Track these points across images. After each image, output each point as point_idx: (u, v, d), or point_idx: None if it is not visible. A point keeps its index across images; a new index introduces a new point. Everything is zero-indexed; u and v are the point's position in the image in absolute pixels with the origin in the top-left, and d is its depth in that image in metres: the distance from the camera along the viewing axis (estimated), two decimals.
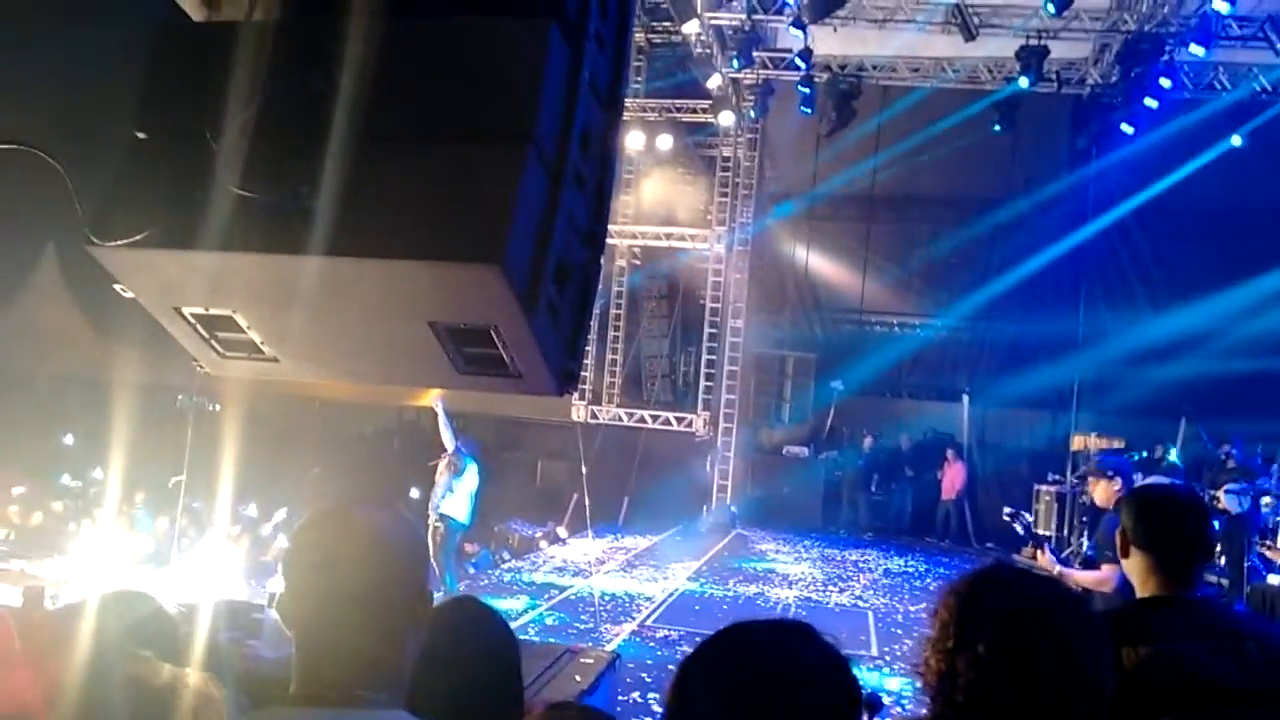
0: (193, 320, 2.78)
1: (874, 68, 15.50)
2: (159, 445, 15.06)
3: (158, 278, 2.70)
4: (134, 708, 2.01)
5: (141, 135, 2.72)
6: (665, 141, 17.52)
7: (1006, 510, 6.28)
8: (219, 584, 8.10)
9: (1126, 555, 2.25)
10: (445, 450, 9.60)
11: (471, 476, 9.56)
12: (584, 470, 10.81)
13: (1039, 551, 5.28)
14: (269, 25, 2.66)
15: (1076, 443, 14.15)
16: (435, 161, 2.52)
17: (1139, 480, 5.27)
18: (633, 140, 16.98)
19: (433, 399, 9.81)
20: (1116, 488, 5.22)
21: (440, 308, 2.66)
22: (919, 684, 1.74)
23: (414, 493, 16.20)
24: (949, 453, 16.01)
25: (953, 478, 15.84)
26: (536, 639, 7.40)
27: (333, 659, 1.34)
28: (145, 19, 2.86)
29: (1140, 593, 2.24)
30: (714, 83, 15.80)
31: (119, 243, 2.55)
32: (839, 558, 13.92)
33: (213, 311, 2.75)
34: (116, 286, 2.75)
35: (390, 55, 2.53)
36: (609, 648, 7.70)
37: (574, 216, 2.85)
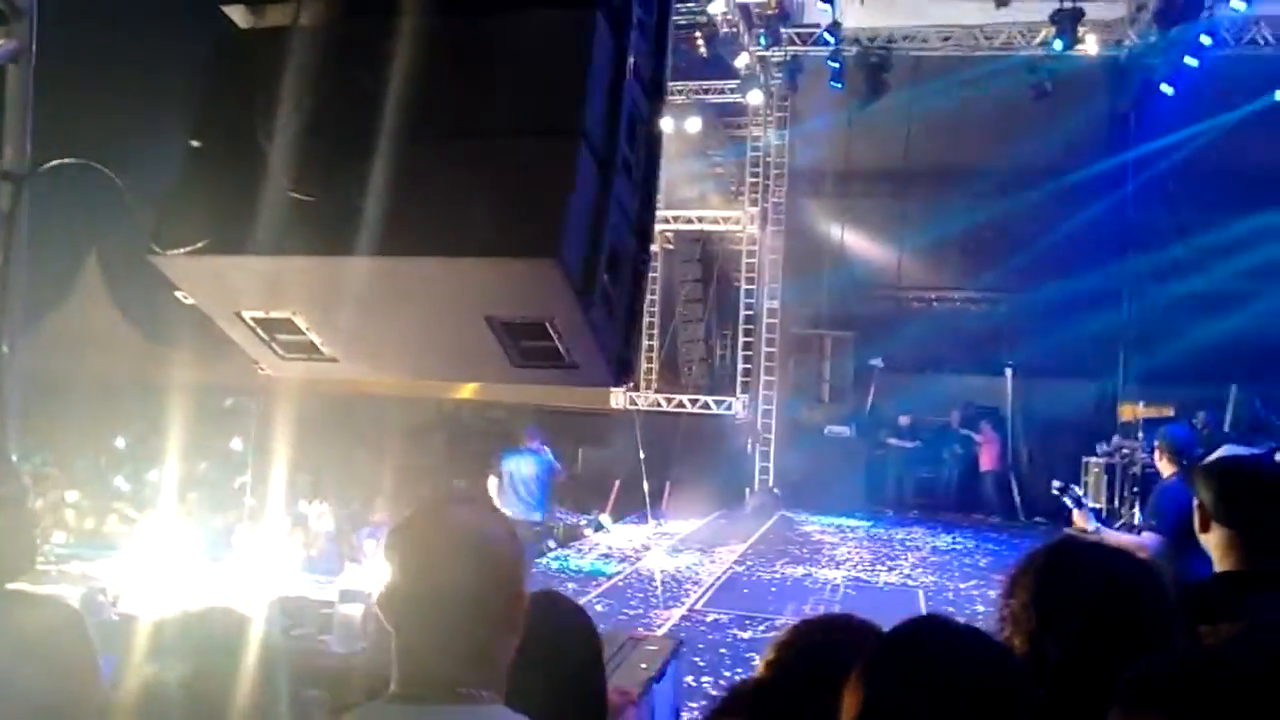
0: (253, 324, 2.82)
1: (904, 39, 15.31)
2: (209, 445, 15.34)
3: (218, 283, 2.74)
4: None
5: (196, 144, 2.75)
6: (694, 124, 17.43)
7: (1056, 484, 6.24)
8: (279, 581, 8.23)
9: (1206, 530, 2.20)
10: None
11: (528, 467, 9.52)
12: (642, 456, 10.80)
13: (1076, 511, 5.25)
14: (315, 29, 2.67)
15: (1125, 413, 13.92)
16: (487, 157, 2.53)
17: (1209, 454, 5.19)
18: (661, 123, 16.89)
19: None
20: (1172, 459, 5.16)
21: (496, 302, 2.67)
22: None
23: (459, 484, 16.42)
24: (983, 425, 15.93)
25: (989, 451, 15.73)
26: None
27: (432, 656, 1.35)
28: (194, 31, 2.89)
29: (1219, 568, 2.20)
30: (742, 62, 15.69)
31: (179, 251, 2.59)
32: (885, 536, 13.85)
33: (272, 315, 2.78)
34: (177, 293, 2.79)
35: (437, 53, 2.54)
36: (660, 632, 7.74)
37: (625, 206, 2.85)
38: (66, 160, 2.69)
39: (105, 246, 18.50)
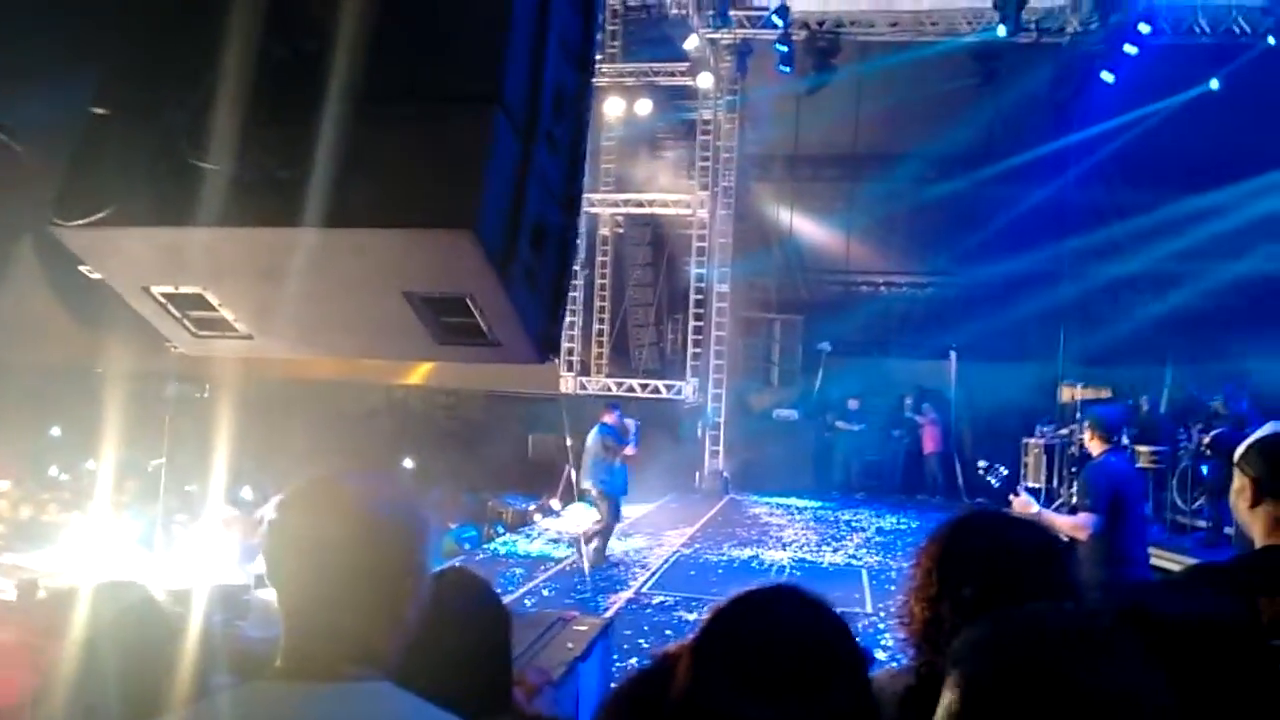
0: (162, 300, 2.72)
1: (852, 23, 15.37)
2: (150, 434, 14.97)
3: (124, 257, 2.64)
4: (125, 694, 1.97)
5: (100, 111, 2.64)
6: (644, 107, 17.34)
7: (981, 464, 6.40)
8: (210, 568, 8.07)
9: (1255, 505, 2.12)
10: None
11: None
12: (569, 443, 10.91)
13: (1014, 496, 5.35)
14: None
15: (1064, 394, 14.20)
16: (402, 125, 2.46)
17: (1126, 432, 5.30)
18: (611, 107, 16.81)
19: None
20: (1101, 438, 5.28)
21: (414, 277, 2.60)
22: (903, 634, 1.72)
23: (407, 463, 16.28)
24: (926, 407, 16.21)
25: (932, 433, 16.00)
26: (533, 610, 7.42)
27: (314, 633, 1.30)
28: None
29: (1264, 543, 2.12)
30: (691, 45, 15.64)
31: (81, 222, 2.48)
32: (832, 518, 13.99)
33: (182, 290, 2.69)
34: (83, 268, 2.69)
35: (352, 18, 2.45)
36: (606, 615, 7.73)
37: (548, 179, 2.80)
38: None
39: (40, 227, 17.92)
